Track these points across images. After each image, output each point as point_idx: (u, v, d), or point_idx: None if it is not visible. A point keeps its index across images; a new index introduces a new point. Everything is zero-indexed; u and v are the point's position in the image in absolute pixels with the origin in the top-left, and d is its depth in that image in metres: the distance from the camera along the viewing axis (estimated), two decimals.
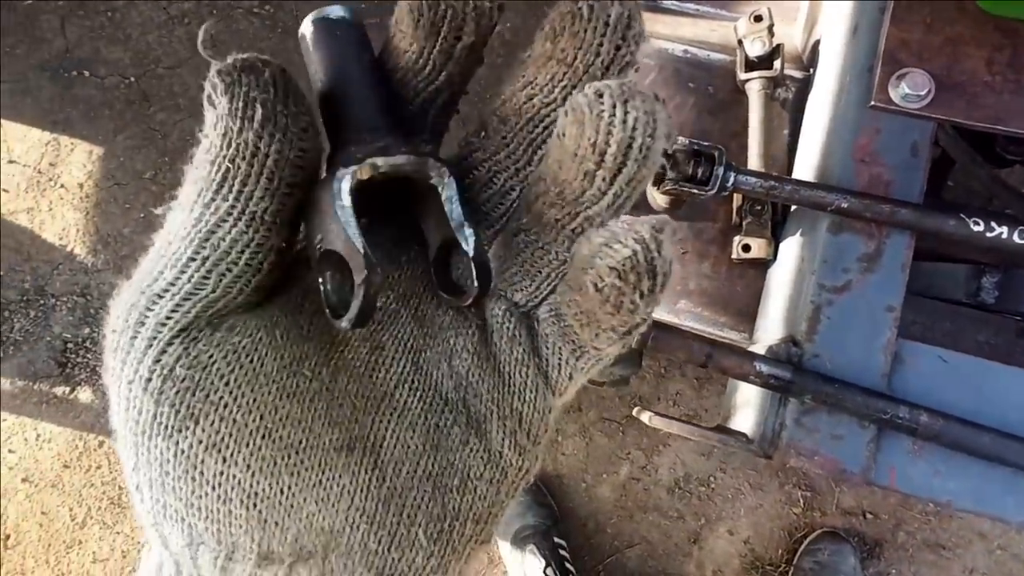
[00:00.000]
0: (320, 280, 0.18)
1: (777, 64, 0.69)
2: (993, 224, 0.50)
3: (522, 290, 0.21)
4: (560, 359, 0.20)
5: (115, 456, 1.38)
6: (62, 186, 1.41)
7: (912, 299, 0.63)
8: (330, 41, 0.19)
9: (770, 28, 0.68)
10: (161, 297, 0.18)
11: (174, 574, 0.19)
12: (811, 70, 0.71)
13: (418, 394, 0.20)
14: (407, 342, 0.21)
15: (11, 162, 1.42)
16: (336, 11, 0.20)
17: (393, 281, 0.21)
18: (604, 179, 0.18)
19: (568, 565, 1.19)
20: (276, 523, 0.18)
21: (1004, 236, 0.50)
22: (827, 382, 0.49)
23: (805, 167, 0.61)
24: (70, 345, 1.40)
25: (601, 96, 0.17)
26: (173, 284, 0.18)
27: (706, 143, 0.52)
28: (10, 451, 1.38)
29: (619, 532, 1.26)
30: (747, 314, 0.68)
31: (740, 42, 0.70)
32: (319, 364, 0.20)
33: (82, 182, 1.41)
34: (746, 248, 0.65)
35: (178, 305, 0.18)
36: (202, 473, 0.18)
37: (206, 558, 0.19)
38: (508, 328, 0.21)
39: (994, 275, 0.65)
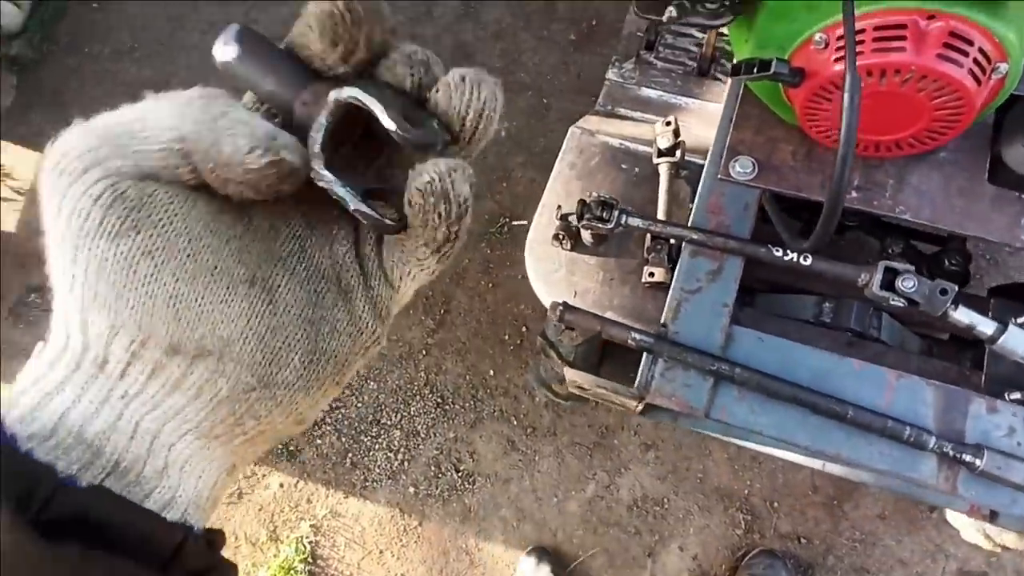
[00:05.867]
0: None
1: (678, 153, 1.00)
2: (787, 251, 0.78)
3: None
4: (395, 265, 0.27)
5: None
6: None
7: (774, 320, 0.90)
8: (252, 46, 0.24)
9: (675, 130, 1.00)
10: (124, 156, 0.22)
11: (79, 355, 0.22)
12: None
13: (303, 264, 0.26)
14: (296, 230, 0.27)
15: None
16: (234, 28, 0.24)
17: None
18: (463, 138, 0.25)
19: None
20: (187, 322, 0.23)
21: (794, 260, 0.77)
22: (677, 346, 0.75)
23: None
24: None
25: (463, 79, 0.25)
26: (142, 154, 0.22)
27: (608, 196, 0.82)
28: None
29: (583, 542, 1.44)
30: (654, 323, 0.95)
31: (655, 138, 1.02)
32: (234, 221, 0.25)
33: None
34: (651, 275, 0.93)
35: (138, 165, 0.22)
36: (135, 272, 0.22)
37: (121, 343, 0.22)
38: (368, 239, 0.28)
39: (831, 302, 0.92)
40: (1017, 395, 0.82)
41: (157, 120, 0.23)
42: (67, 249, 0.22)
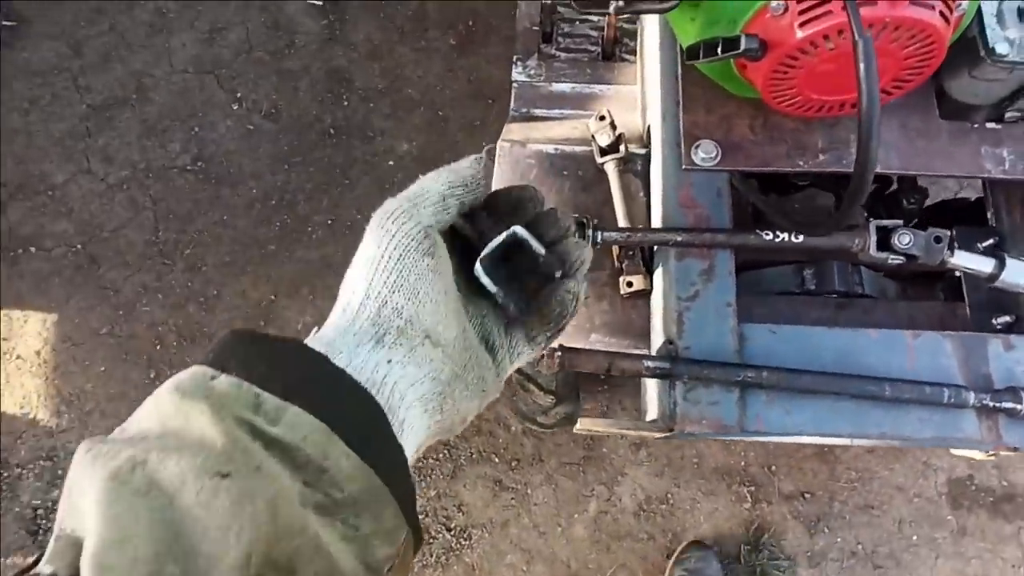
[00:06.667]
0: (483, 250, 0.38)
1: (623, 148, 0.92)
2: (777, 232, 0.72)
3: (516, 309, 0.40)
4: (513, 348, 0.40)
5: None
6: (19, 357, 1.47)
7: (758, 297, 0.85)
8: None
9: (612, 124, 0.93)
10: (422, 209, 0.35)
11: (369, 329, 0.33)
12: (649, 147, 0.95)
13: (475, 321, 0.39)
14: (469, 303, 0.39)
15: None
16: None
17: (459, 282, 0.39)
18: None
19: None
20: (439, 320, 0.35)
21: (786, 239, 0.72)
22: (696, 364, 0.68)
23: (655, 218, 0.83)
24: (40, 511, 1.42)
25: (577, 242, 0.40)
26: (439, 204, 0.36)
27: (576, 215, 0.73)
28: None
29: (600, 564, 1.37)
30: (643, 335, 0.87)
31: (593, 137, 0.94)
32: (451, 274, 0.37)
33: (39, 349, 1.48)
34: (630, 284, 0.85)
35: (426, 214, 0.35)
36: (426, 279, 0.34)
37: (404, 316, 0.33)
38: (499, 331, 0.40)
39: (810, 268, 0.88)
40: (1005, 318, 0.82)
41: (430, 186, 0.37)
42: (391, 263, 0.34)
